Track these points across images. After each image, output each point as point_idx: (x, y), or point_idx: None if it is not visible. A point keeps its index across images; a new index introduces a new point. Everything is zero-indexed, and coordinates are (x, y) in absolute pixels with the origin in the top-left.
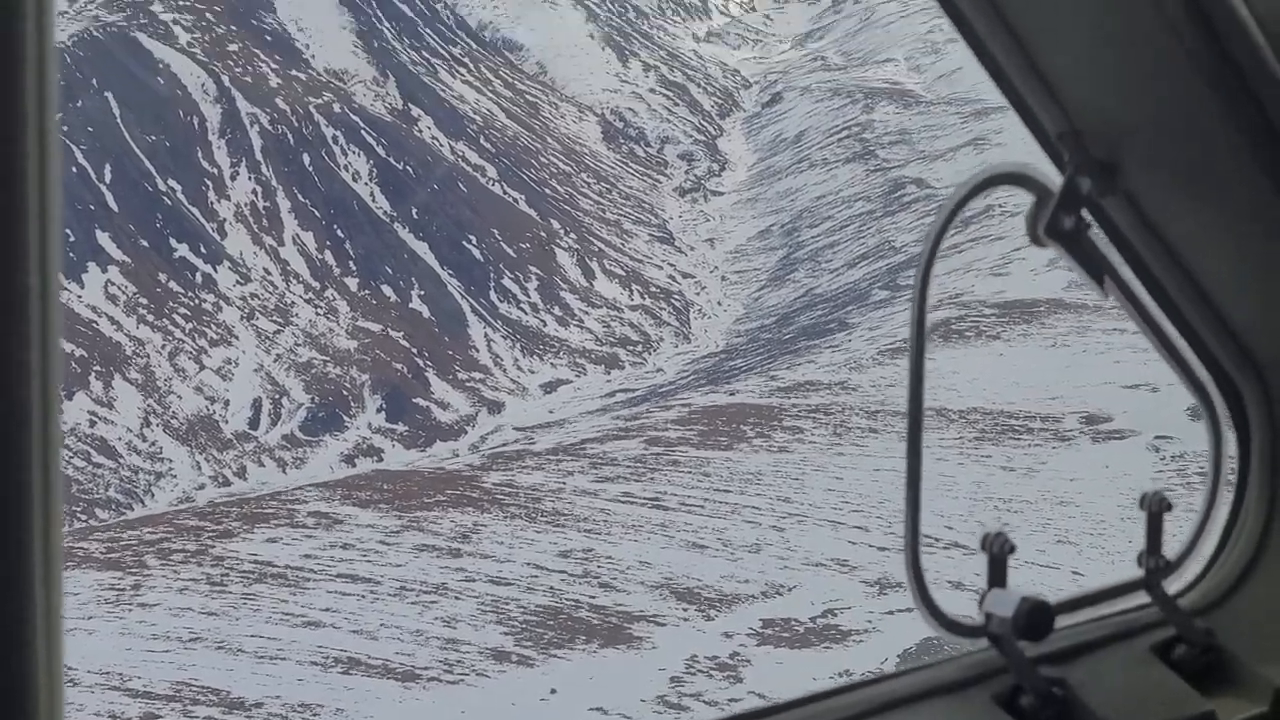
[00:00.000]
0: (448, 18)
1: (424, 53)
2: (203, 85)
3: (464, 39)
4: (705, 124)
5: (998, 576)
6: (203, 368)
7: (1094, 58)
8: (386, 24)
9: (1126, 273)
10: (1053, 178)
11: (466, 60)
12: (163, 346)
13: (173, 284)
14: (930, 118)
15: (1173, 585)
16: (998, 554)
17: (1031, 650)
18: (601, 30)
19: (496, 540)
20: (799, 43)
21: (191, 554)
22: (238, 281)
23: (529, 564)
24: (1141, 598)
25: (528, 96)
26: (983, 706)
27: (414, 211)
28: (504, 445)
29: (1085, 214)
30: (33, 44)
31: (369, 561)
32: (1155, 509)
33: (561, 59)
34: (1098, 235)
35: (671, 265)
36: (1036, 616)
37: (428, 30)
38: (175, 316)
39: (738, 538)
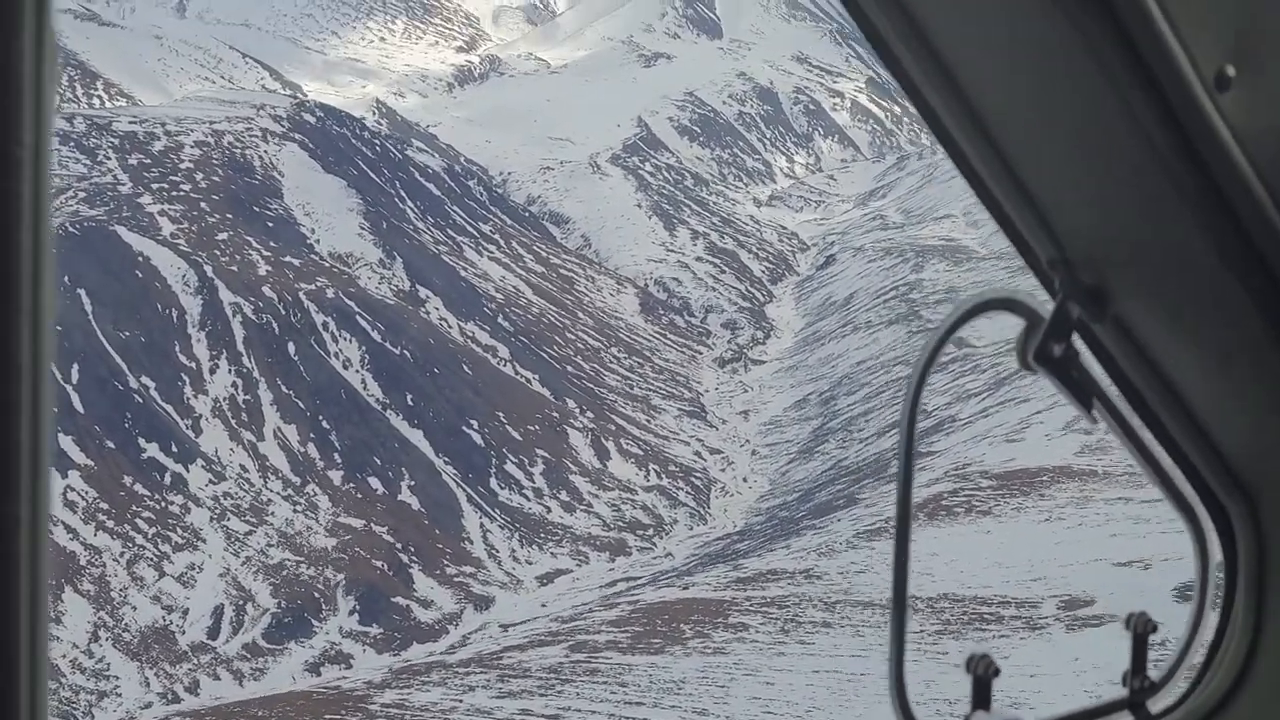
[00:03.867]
0: (480, 194)
1: (449, 231)
2: (183, 277)
3: (497, 215)
4: (754, 290)
5: (981, 699)
6: (163, 575)
7: (1083, 186)
8: (410, 204)
9: (1116, 397)
10: (1044, 304)
11: (497, 237)
12: (121, 554)
13: (138, 486)
14: (979, 273)
15: (1156, 705)
16: (982, 676)
17: None
18: (650, 200)
19: None
20: (861, 202)
21: None
22: (210, 481)
23: None
24: (1125, 718)
25: (561, 271)
26: None
27: (409, 398)
28: (423, 657)
29: (1075, 341)
30: (31, 74)
31: None
32: (1140, 630)
33: (606, 231)
34: (1087, 359)
35: (700, 440)
36: None
37: (455, 208)
38: (138, 521)
39: None
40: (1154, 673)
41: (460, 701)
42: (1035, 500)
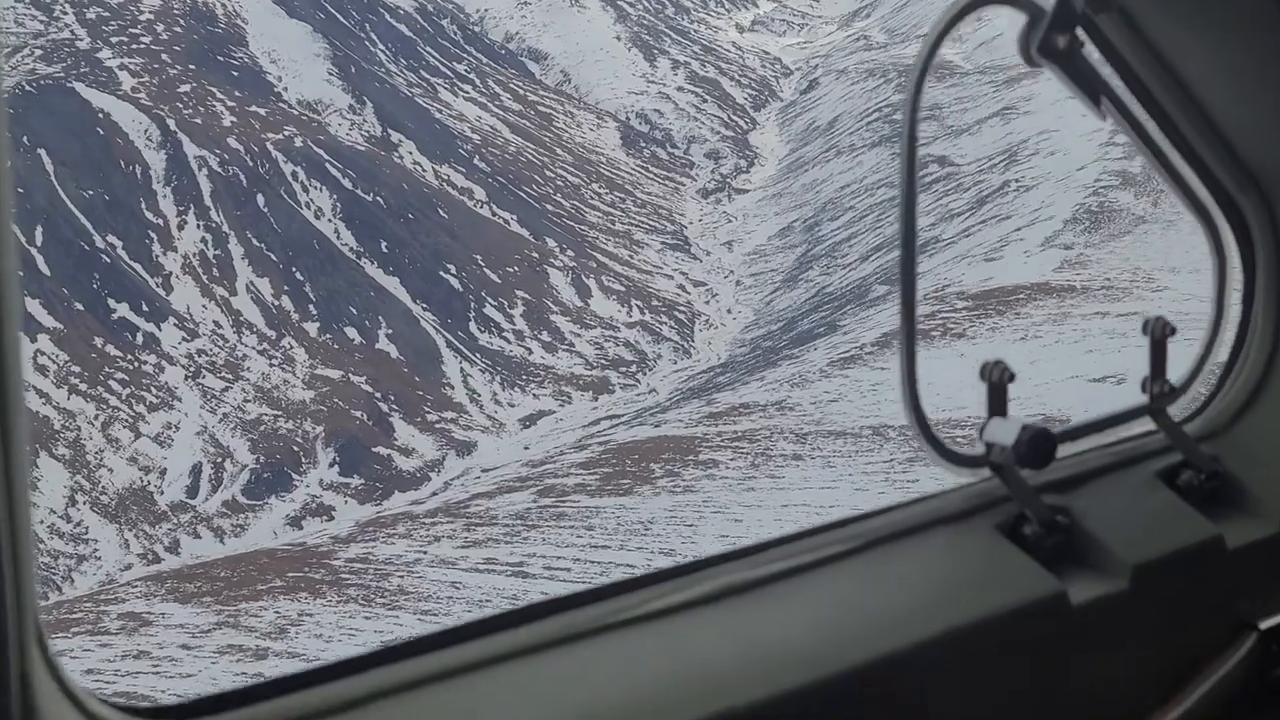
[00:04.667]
0: (455, 34)
1: (423, 73)
2: (146, 131)
3: (473, 54)
4: (737, 119)
5: (998, 405)
6: (139, 436)
7: None
8: (381, 46)
9: (1123, 93)
10: None
11: (473, 76)
12: (95, 417)
13: (109, 348)
14: (963, 89)
15: (1178, 411)
16: (997, 381)
17: (1034, 479)
18: (630, 31)
19: (315, 633)
20: (845, 23)
21: None
22: (183, 339)
23: None
24: (1146, 424)
25: (540, 108)
26: (986, 536)
27: (384, 245)
28: (400, 508)
29: (1079, 32)
30: None
31: (156, 674)
32: (1159, 334)
33: (585, 65)
34: (1092, 54)
35: (683, 274)
36: (1039, 444)
37: (428, 49)
38: (111, 383)
39: None
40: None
41: (425, 553)
42: (1011, 319)
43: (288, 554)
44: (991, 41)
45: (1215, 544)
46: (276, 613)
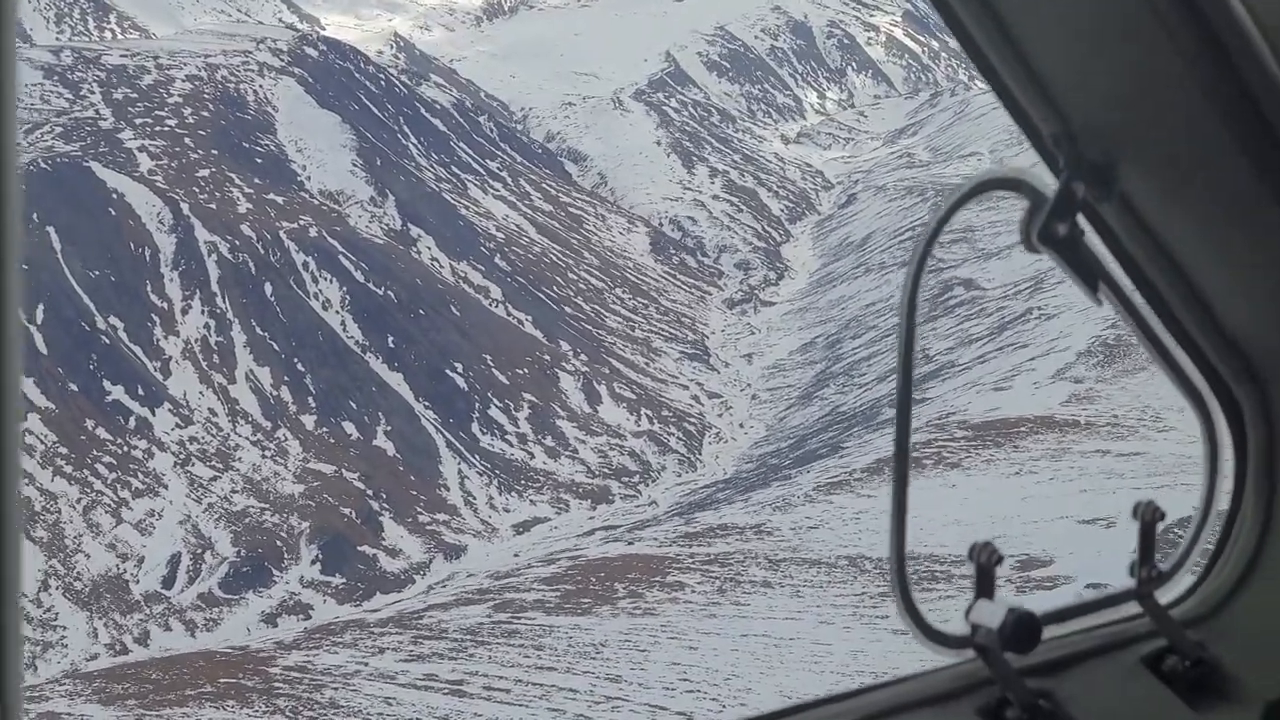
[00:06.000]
0: (491, 130)
1: (453, 168)
2: (158, 214)
3: (507, 152)
4: (770, 230)
5: (985, 587)
6: (120, 521)
7: (1088, 59)
8: (414, 140)
9: (1122, 278)
10: (1048, 183)
11: (505, 174)
12: (78, 500)
13: (100, 430)
14: (997, 213)
15: (1165, 596)
16: (985, 564)
17: (1018, 662)
18: (671, 136)
19: None
20: (890, 139)
21: None
22: (176, 425)
23: None
24: (1132, 608)
25: (570, 209)
26: (967, 719)
27: (390, 340)
28: (337, 618)
29: (1080, 220)
30: None
31: None
32: (1148, 518)
33: (623, 168)
34: (1092, 240)
35: (699, 384)
36: (1023, 627)
37: (461, 145)
38: (98, 466)
39: None
40: (1162, 563)
41: (365, 665)
42: (1008, 452)
43: (226, 658)
44: (1033, 166)
45: None
46: None
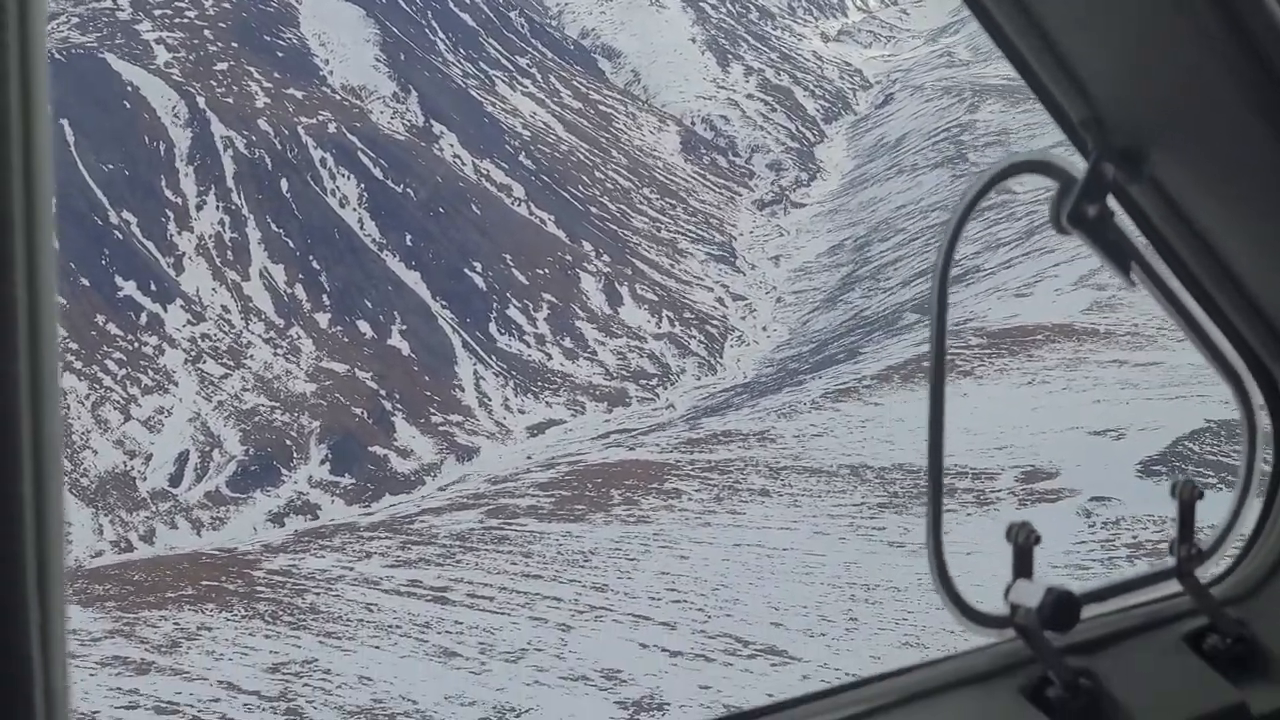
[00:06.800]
0: (522, 26)
1: (482, 64)
2: (174, 108)
3: (538, 48)
4: (805, 130)
5: (1023, 567)
6: (129, 418)
7: (1116, 42)
8: (442, 35)
9: (1154, 259)
10: (1077, 165)
11: (534, 71)
12: (86, 396)
13: (111, 326)
14: (1034, 114)
15: (1205, 574)
16: (1023, 544)
17: (1058, 641)
18: (707, 34)
19: (208, 649)
20: (932, 38)
21: None
22: (188, 321)
23: (222, 683)
24: (1172, 587)
25: (601, 107)
26: (1009, 698)
27: (408, 239)
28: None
29: (1110, 201)
30: (15, 48)
31: None
32: (1187, 497)
33: (657, 66)
34: (1123, 221)
35: (725, 287)
36: (1063, 606)
37: (491, 40)
38: (108, 362)
39: (507, 640)
40: (1202, 542)
41: (351, 570)
42: (1022, 361)
43: (211, 560)
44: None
45: (1239, 711)
46: (175, 624)
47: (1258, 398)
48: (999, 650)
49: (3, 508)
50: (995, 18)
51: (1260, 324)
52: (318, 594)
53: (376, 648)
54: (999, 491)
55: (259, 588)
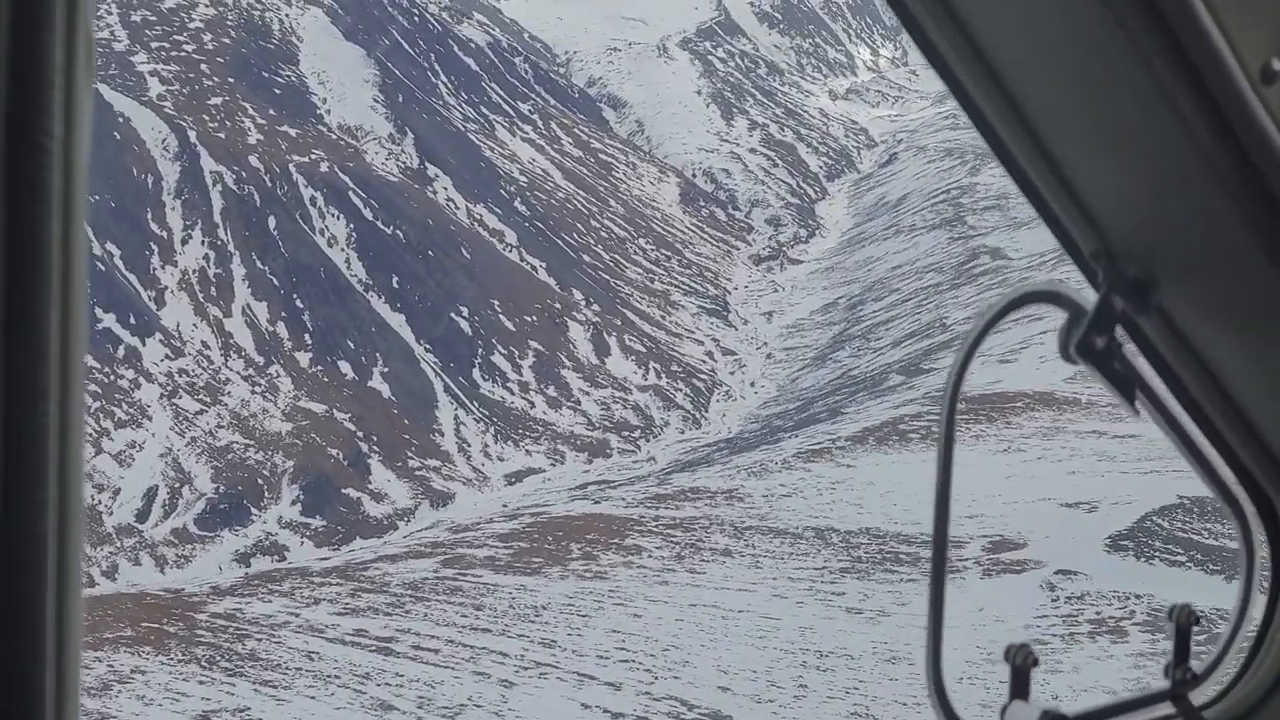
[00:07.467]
0: (525, 72)
1: (482, 109)
2: (163, 141)
3: (540, 95)
4: (806, 186)
5: (1020, 689)
6: (100, 451)
7: (1126, 177)
8: (444, 79)
9: (1157, 385)
10: (1086, 295)
11: (535, 117)
12: None
13: (87, 358)
14: None
15: (1199, 697)
16: (1020, 666)
17: None
18: (713, 87)
19: (139, 694)
20: (940, 99)
21: None
22: (167, 356)
23: None
24: (1166, 709)
25: (601, 156)
26: None
27: (394, 280)
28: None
29: (1118, 333)
30: (60, 68)
31: None
32: (1183, 621)
33: (661, 117)
34: (1128, 351)
35: (715, 340)
36: None
37: (493, 85)
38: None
39: (446, 695)
40: (1196, 666)
41: (297, 615)
42: (999, 428)
43: (156, 600)
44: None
45: None
46: (109, 666)
47: (1258, 526)
48: None
49: (30, 514)
50: (1013, 155)
51: (1261, 452)
52: (259, 640)
53: (312, 698)
54: (965, 560)
55: (199, 631)
